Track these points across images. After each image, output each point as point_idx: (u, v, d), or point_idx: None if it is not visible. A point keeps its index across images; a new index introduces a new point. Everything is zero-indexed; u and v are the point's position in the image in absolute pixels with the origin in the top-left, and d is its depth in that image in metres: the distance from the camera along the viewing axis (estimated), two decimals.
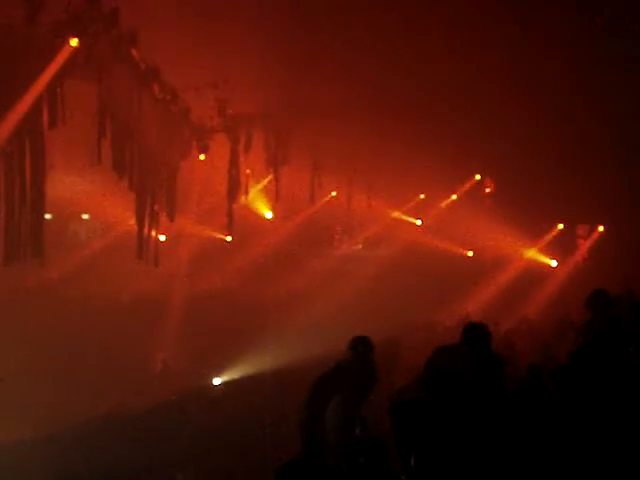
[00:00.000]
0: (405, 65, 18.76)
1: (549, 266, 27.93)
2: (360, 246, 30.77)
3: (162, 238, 20.90)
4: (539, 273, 27.01)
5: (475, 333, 8.49)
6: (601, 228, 26.85)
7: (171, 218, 20.03)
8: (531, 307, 23.29)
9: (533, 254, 28.03)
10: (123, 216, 22.65)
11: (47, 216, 16.89)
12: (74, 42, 15.22)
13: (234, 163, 21.56)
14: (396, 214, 29.37)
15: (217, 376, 17.27)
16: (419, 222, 29.72)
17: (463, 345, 8.20)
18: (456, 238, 28.56)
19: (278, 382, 14.63)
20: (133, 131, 17.55)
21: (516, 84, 19.40)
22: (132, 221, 19.54)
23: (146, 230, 18.79)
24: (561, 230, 27.61)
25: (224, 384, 17.07)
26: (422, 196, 29.10)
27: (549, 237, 27.75)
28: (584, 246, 27.45)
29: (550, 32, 17.40)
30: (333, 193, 27.75)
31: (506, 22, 16.84)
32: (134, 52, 16.60)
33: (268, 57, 18.22)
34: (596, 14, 16.39)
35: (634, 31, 16.76)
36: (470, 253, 29.07)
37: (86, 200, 24.18)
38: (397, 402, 6.04)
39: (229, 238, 25.69)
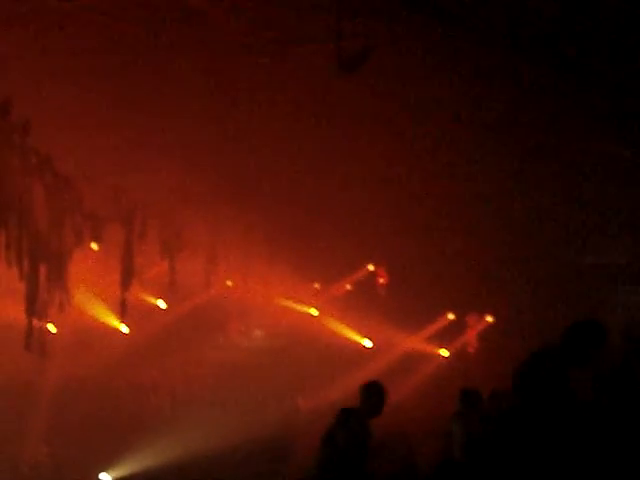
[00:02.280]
0: (294, 156, 18.91)
1: (438, 355, 28.32)
2: (259, 335, 30.74)
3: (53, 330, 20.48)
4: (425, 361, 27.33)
5: None
6: (489, 319, 27.47)
7: (62, 308, 19.68)
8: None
9: (424, 339, 28.35)
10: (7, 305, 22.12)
11: None
12: None
13: (127, 252, 21.47)
14: (291, 303, 29.54)
15: (104, 471, 16.82)
16: (316, 313, 29.91)
17: None
18: (353, 327, 28.85)
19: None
20: (24, 219, 17.34)
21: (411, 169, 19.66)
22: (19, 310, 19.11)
23: (35, 321, 18.41)
24: (451, 320, 28.13)
25: None
26: (317, 285, 29.40)
27: (438, 326, 28.20)
28: (472, 336, 27.96)
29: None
30: (228, 282, 27.79)
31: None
32: (26, 141, 16.52)
33: (159, 146, 18.28)
34: None
35: None
36: (369, 344, 29.21)
37: None
38: None
39: (125, 328, 25.40)
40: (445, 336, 28.14)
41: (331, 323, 28.95)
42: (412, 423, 18.24)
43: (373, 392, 9.67)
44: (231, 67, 14.67)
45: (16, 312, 20.91)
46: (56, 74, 14.42)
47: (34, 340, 18.79)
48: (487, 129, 16.60)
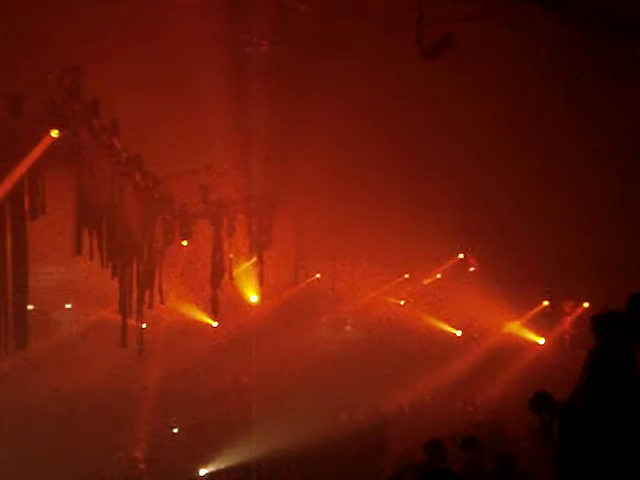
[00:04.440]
0: (387, 146, 18.86)
1: (534, 343, 27.79)
2: (349, 328, 30.80)
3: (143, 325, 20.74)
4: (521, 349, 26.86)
5: None
6: (586, 304, 26.79)
7: (152, 305, 19.87)
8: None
9: (516, 329, 27.92)
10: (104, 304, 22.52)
11: (30, 307, 16.74)
12: (55, 133, 15.31)
13: (217, 248, 21.56)
14: (380, 295, 29.37)
15: (203, 467, 16.89)
16: (402, 302, 29.74)
17: None
18: (442, 317, 28.59)
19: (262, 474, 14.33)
20: (115, 219, 17.56)
21: (499, 163, 19.48)
22: (115, 309, 19.39)
23: (130, 318, 18.66)
24: (546, 307, 27.56)
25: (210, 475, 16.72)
26: (406, 276, 29.16)
27: (533, 313, 27.67)
28: (569, 323, 27.35)
29: (535, 110, 17.50)
30: (317, 275, 27.76)
31: (495, 100, 16.94)
32: (115, 141, 16.69)
33: (249, 143, 18.34)
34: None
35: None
36: (459, 333, 28.99)
37: (69, 290, 24.09)
38: None
39: (215, 323, 25.60)
40: (541, 324, 27.60)
41: (421, 313, 28.68)
42: (507, 409, 17.96)
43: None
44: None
45: (110, 311, 21.33)
46: (145, 77, 14.58)
47: (128, 337, 19.08)
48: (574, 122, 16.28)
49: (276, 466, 14.68)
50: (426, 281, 29.22)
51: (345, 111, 16.96)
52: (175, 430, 20.29)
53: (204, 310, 25.17)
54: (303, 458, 15.26)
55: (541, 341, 27.78)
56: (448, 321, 28.89)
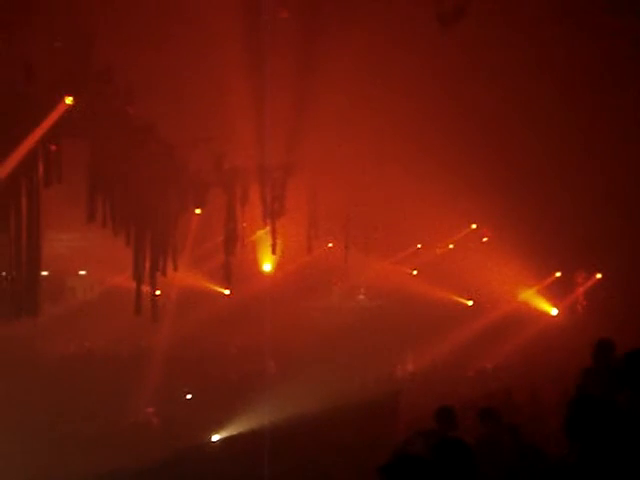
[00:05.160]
0: (402, 116, 18.77)
1: (546, 312, 27.85)
2: (362, 297, 30.93)
3: (157, 292, 20.87)
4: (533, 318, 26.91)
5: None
6: (599, 275, 26.80)
7: (165, 272, 19.95)
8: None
9: (528, 298, 27.98)
10: (119, 271, 22.64)
11: (44, 273, 16.83)
12: (69, 100, 15.33)
13: (230, 216, 21.60)
14: (393, 263, 29.42)
15: (215, 433, 17.01)
16: (415, 272, 29.82)
17: None
18: (454, 287, 28.65)
19: (275, 439, 14.41)
20: (129, 187, 17.60)
21: (514, 136, 19.41)
22: (129, 276, 19.50)
23: (144, 286, 18.78)
24: (558, 278, 27.56)
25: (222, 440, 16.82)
26: (419, 245, 29.20)
27: (545, 284, 27.70)
28: (581, 293, 27.37)
29: (551, 86, 17.40)
30: (330, 244, 27.80)
31: (512, 75, 16.83)
32: (129, 109, 16.70)
33: (262, 111, 18.29)
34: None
35: None
36: (470, 302, 29.08)
37: (83, 256, 24.22)
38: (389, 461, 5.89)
39: (227, 291, 25.71)
40: (553, 294, 27.63)
41: (433, 283, 28.70)
42: (519, 379, 17.98)
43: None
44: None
45: (123, 278, 21.46)
46: (160, 42, 14.55)
47: (142, 304, 19.21)
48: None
49: (288, 432, 14.76)
50: (439, 251, 29.23)
51: (359, 77, 16.90)
52: (188, 396, 20.41)
53: (217, 278, 25.24)
54: (315, 424, 15.34)
55: (553, 311, 27.82)
56: (460, 291, 28.97)
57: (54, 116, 15.50)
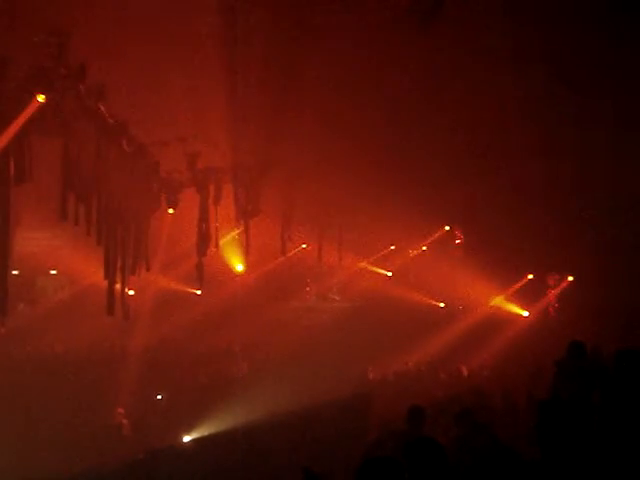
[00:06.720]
0: (373, 118, 18.82)
1: (518, 315, 27.97)
2: (336, 297, 30.95)
3: (131, 292, 20.72)
4: (506, 321, 27.03)
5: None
6: (571, 278, 26.94)
7: (135, 272, 19.77)
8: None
9: (501, 302, 28.12)
10: (90, 271, 22.45)
11: (14, 272, 16.62)
12: (41, 97, 15.16)
13: (203, 216, 21.46)
14: (367, 265, 29.48)
15: (187, 433, 16.91)
16: (390, 274, 29.87)
17: None
18: (427, 289, 28.72)
19: (249, 439, 14.38)
20: (101, 186, 17.42)
21: (484, 139, 19.51)
22: (100, 275, 19.32)
23: (114, 286, 18.60)
24: (531, 280, 27.69)
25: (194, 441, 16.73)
26: (392, 247, 29.24)
27: (518, 286, 27.84)
28: (553, 295, 27.51)
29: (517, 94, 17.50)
30: (304, 245, 27.77)
31: (485, 78, 16.91)
32: (101, 107, 16.53)
33: (236, 111, 18.22)
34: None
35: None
36: (442, 304, 29.17)
37: (54, 255, 23.99)
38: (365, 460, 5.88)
39: (199, 292, 25.58)
40: (525, 296, 27.76)
41: (406, 285, 28.79)
42: (491, 382, 18.03)
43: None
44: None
45: (95, 278, 21.27)
46: (133, 40, 14.45)
47: (115, 305, 19.02)
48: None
49: (261, 431, 14.72)
50: (412, 253, 29.31)
51: (335, 81, 16.90)
52: (159, 397, 20.29)
53: (189, 278, 25.11)
54: (289, 424, 15.32)
55: (525, 313, 27.95)
56: (432, 293, 29.04)
57: (26, 113, 15.31)
